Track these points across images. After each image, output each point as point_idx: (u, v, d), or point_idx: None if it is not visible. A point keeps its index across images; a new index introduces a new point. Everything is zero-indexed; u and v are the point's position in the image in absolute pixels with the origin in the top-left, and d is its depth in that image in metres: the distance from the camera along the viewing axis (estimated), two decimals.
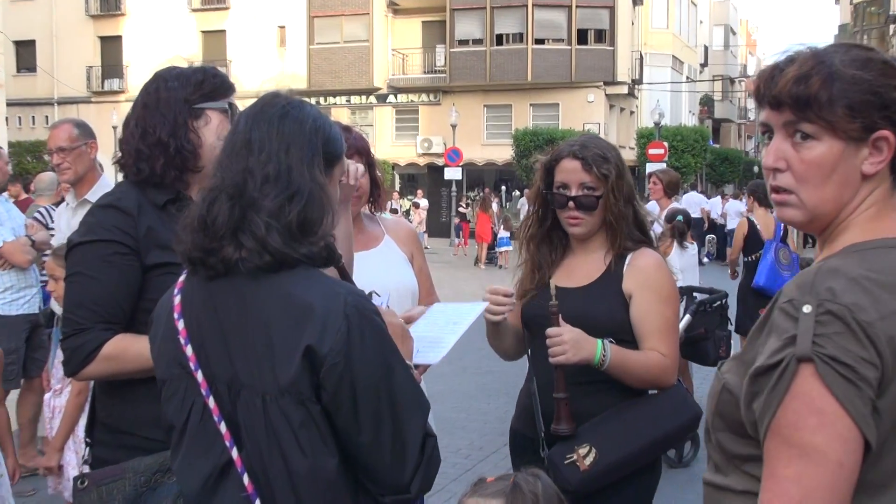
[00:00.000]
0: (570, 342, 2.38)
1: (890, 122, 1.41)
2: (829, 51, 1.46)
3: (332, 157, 1.72)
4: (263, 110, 1.67)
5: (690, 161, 32.85)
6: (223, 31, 34.71)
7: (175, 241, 1.67)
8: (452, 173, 27.91)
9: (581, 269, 2.59)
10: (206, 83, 2.28)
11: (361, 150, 2.73)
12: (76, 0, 35.87)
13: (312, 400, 1.55)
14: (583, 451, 2.37)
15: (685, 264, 6.81)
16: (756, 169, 40.35)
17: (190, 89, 2.25)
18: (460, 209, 28.10)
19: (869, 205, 1.45)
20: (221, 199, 1.59)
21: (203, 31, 34.88)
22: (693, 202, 21.75)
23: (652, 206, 7.20)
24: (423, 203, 28.15)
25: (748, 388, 1.39)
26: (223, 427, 1.59)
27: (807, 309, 1.31)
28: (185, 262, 1.67)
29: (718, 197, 27.93)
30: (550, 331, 2.41)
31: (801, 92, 1.41)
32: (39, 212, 5.95)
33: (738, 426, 1.44)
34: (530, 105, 32.22)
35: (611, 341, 2.45)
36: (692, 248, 7.13)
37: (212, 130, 2.25)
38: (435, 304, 2.53)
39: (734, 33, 58.02)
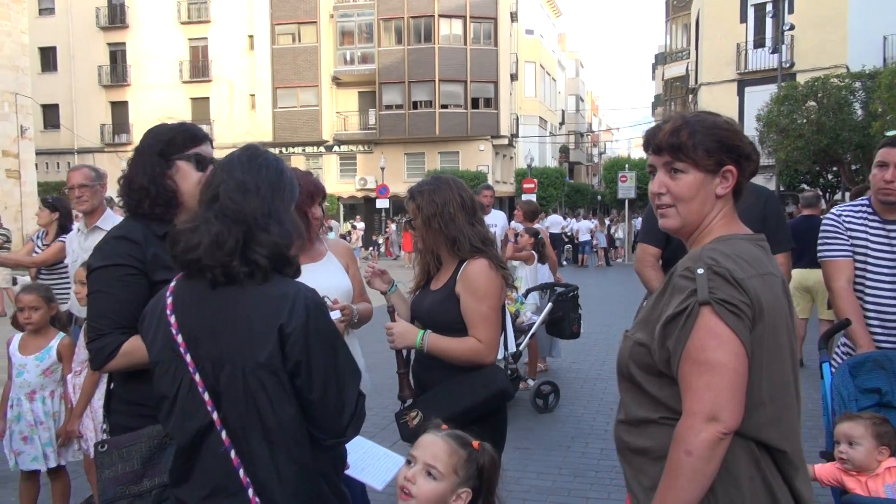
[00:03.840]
0: (396, 334, 2.41)
1: (734, 161, 1.54)
2: (689, 116, 1.60)
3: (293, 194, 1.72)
4: (252, 160, 1.66)
5: (553, 192, 33.88)
6: (207, 98, 33.88)
7: (189, 253, 1.60)
8: (382, 203, 27.80)
9: (444, 276, 2.48)
10: (177, 138, 2.15)
11: (320, 190, 2.71)
12: (91, 72, 34.62)
13: (282, 369, 1.54)
14: (413, 413, 2.36)
15: (544, 270, 6.95)
16: (599, 197, 41.47)
17: (162, 145, 2.13)
18: (386, 231, 28.18)
19: (722, 216, 1.57)
20: (233, 228, 1.57)
21: (192, 98, 33.98)
22: (555, 222, 22.24)
23: (516, 225, 7.35)
24: (360, 225, 27.99)
25: (661, 332, 1.46)
26: (206, 396, 1.57)
27: (700, 271, 1.43)
28: (189, 270, 1.62)
29: (572, 219, 28.46)
30: (386, 325, 2.45)
31: (675, 141, 1.55)
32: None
33: (652, 368, 1.50)
34: (438, 153, 32.32)
35: (428, 332, 2.38)
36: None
37: (184, 177, 2.13)
38: (358, 439, 2.17)
39: (582, 100, 59.43)
